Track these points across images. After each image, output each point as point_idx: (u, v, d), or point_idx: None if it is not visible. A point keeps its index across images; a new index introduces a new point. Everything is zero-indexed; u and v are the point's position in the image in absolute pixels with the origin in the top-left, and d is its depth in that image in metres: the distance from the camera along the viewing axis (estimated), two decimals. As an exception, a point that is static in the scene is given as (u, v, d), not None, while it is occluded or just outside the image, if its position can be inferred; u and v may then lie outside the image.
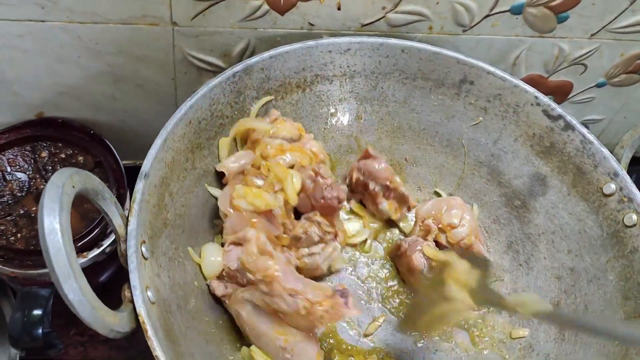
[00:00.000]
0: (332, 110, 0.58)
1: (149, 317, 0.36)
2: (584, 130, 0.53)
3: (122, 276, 0.39)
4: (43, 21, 0.51)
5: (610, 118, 0.73)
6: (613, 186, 0.51)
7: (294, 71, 0.54)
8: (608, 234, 0.51)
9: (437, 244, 0.54)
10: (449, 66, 0.56)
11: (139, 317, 0.36)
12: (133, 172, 0.51)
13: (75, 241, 0.51)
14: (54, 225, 0.31)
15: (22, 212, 0.53)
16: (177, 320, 0.41)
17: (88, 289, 0.32)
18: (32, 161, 0.56)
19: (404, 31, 0.58)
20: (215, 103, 0.50)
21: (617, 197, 0.51)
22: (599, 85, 0.68)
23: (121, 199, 0.54)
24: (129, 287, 0.37)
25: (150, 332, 0.36)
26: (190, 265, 0.47)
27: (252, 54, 0.57)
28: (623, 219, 0.51)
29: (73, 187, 0.34)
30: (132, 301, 0.37)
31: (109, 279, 0.58)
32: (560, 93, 0.68)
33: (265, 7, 0.53)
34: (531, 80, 0.65)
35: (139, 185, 0.41)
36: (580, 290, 0.52)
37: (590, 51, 0.63)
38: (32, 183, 0.55)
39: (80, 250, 0.52)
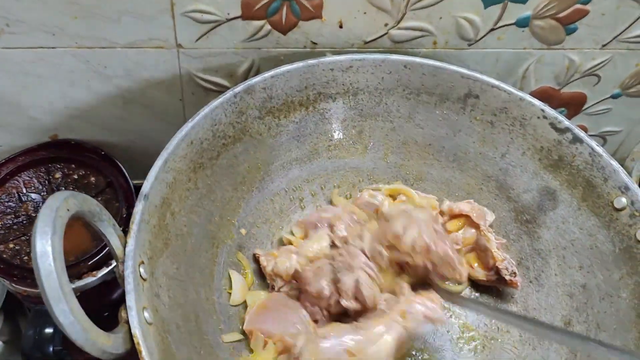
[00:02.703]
0: (336, 128, 0.58)
1: (145, 338, 0.37)
2: (593, 143, 0.52)
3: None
4: (54, 47, 0.53)
5: (629, 129, 0.71)
6: (624, 200, 0.50)
7: (297, 90, 0.55)
8: (620, 250, 0.50)
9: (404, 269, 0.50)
10: (453, 80, 0.56)
11: (134, 338, 0.37)
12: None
13: (85, 260, 0.53)
14: (46, 248, 0.32)
15: (35, 232, 0.55)
16: (174, 340, 0.42)
17: (80, 312, 0.33)
18: (47, 182, 0.58)
19: (407, 47, 0.58)
20: (217, 123, 0.50)
21: (628, 211, 0.50)
22: (615, 97, 0.66)
23: (131, 218, 0.55)
24: (125, 308, 0.38)
25: (144, 353, 0.36)
26: (192, 284, 0.47)
27: (256, 74, 0.57)
28: (635, 235, 0.49)
29: (68, 210, 0.35)
30: (127, 322, 0.37)
31: (120, 298, 0.58)
32: (574, 105, 0.67)
33: (268, 27, 0.54)
34: (543, 93, 0.64)
35: (139, 207, 0.42)
36: (593, 308, 0.50)
37: (602, 62, 0.61)
38: (45, 203, 0.57)
39: (90, 270, 0.53)
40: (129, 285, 0.38)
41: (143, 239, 0.42)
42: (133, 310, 0.38)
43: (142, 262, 0.41)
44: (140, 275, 0.40)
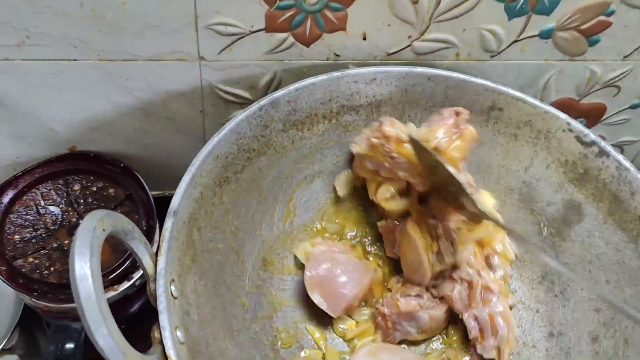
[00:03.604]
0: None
1: (179, 359, 0.36)
2: (620, 157, 0.52)
3: (150, 308, 0.40)
4: (75, 60, 0.52)
5: (647, 139, 0.71)
6: (652, 215, 0.50)
7: (320, 102, 0.54)
8: (648, 265, 0.50)
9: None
10: (477, 93, 0.56)
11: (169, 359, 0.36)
12: (161, 203, 0.52)
13: (106, 274, 0.52)
14: (85, 271, 0.31)
15: (55, 245, 0.54)
16: (205, 359, 0.41)
17: (118, 335, 0.32)
18: (65, 194, 0.58)
19: (430, 59, 0.57)
20: (242, 137, 0.50)
21: (656, 226, 0.50)
22: (634, 107, 0.66)
23: (151, 231, 0.55)
24: (159, 328, 0.37)
25: (179, 374, 0.36)
26: (219, 301, 0.47)
27: (278, 86, 0.57)
28: (663, 250, 0.49)
29: (104, 230, 0.34)
30: (161, 342, 0.37)
31: (139, 310, 0.58)
32: (594, 116, 0.67)
33: (291, 39, 0.53)
34: (563, 104, 0.64)
35: (168, 224, 0.42)
36: (620, 323, 0.50)
37: (623, 73, 0.61)
38: (65, 216, 0.56)
39: (111, 284, 0.52)
40: (162, 305, 0.38)
41: (173, 256, 0.41)
42: (167, 330, 0.37)
43: (173, 280, 0.40)
44: (172, 294, 0.40)
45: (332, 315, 0.53)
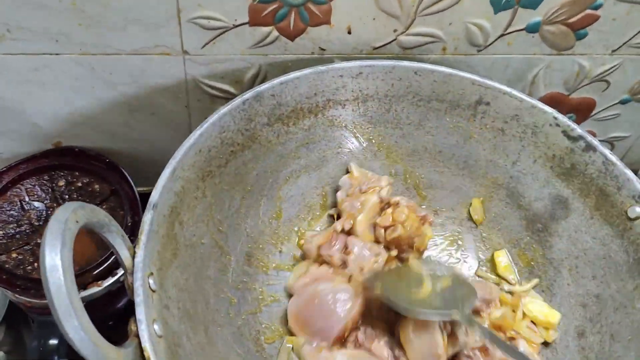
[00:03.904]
0: (346, 134, 0.58)
1: (155, 352, 0.36)
2: (606, 152, 0.51)
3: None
4: (57, 54, 0.52)
5: (637, 135, 0.70)
6: (638, 209, 0.49)
7: (306, 96, 0.54)
8: (634, 260, 0.49)
9: None
10: (464, 87, 0.55)
11: (144, 352, 0.36)
12: (147, 198, 0.51)
13: (90, 270, 0.52)
14: (55, 262, 0.31)
15: (39, 241, 0.54)
16: (185, 352, 0.41)
17: (90, 326, 0.32)
18: (50, 190, 0.57)
19: (416, 53, 0.57)
20: (225, 131, 0.50)
21: (643, 220, 0.49)
22: (623, 102, 0.66)
23: (136, 227, 0.55)
24: (135, 321, 0.37)
25: (155, 367, 0.35)
26: (201, 295, 0.47)
27: (263, 80, 0.57)
28: (650, 244, 0.48)
29: (77, 221, 0.34)
30: (137, 335, 0.36)
31: (125, 307, 0.58)
32: (583, 110, 0.66)
33: (275, 33, 0.53)
34: (552, 99, 0.64)
35: (147, 216, 0.41)
36: (607, 318, 0.50)
37: (612, 67, 0.61)
38: (49, 212, 0.56)
39: (95, 279, 0.52)
40: (139, 298, 0.38)
41: (152, 249, 0.41)
42: (143, 323, 0.37)
43: (151, 274, 0.40)
44: (150, 287, 0.39)
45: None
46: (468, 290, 0.50)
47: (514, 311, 0.52)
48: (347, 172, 0.58)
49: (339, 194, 0.57)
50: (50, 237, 0.31)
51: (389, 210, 0.53)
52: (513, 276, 0.56)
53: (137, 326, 0.37)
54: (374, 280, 0.51)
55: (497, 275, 0.57)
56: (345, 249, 0.52)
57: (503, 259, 0.57)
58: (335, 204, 0.58)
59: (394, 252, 0.54)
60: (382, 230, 0.53)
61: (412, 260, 0.54)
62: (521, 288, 0.55)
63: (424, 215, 0.54)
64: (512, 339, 0.52)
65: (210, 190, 0.49)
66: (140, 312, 0.37)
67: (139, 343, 0.36)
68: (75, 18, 0.49)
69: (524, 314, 0.52)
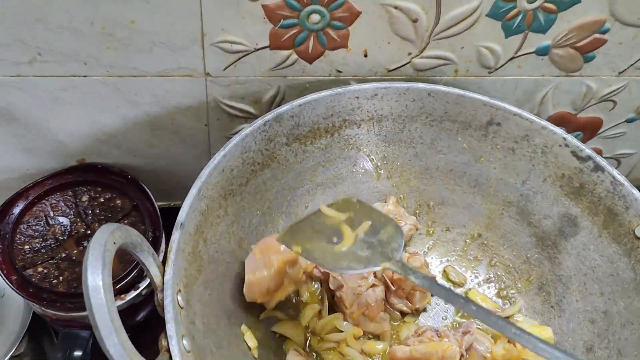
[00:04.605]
0: (360, 153, 0.60)
1: (185, 367, 0.38)
2: (614, 172, 0.53)
3: (156, 316, 0.41)
4: (85, 76, 0.54)
5: (643, 152, 0.72)
6: (645, 229, 0.51)
7: (323, 117, 0.56)
8: (642, 278, 0.51)
9: None
10: (476, 108, 0.57)
11: (175, 367, 0.37)
12: (167, 213, 0.53)
13: (114, 284, 0.53)
14: (97, 283, 0.33)
15: (64, 255, 0.56)
16: (210, 367, 0.43)
17: (128, 344, 0.33)
18: (74, 205, 0.59)
19: (429, 75, 0.59)
20: (247, 151, 0.52)
21: (649, 239, 0.51)
22: (629, 121, 0.67)
23: (157, 241, 0.56)
24: (166, 337, 0.38)
25: (185, 382, 0.37)
26: (223, 310, 0.48)
27: (282, 100, 0.59)
28: (657, 263, 0.50)
29: (114, 243, 0.36)
30: (168, 350, 0.38)
31: (145, 318, 0.59)
32: (590, 129, 0.68)
33: (294, 56, 0.55)
34: (560, 118, 0.65)
35: (176, 235, 0.43)
36: (614, 334, 0.51)
37: (618, 88, 0.63)
38: (73, 227, 0.58)
39: (118, 293, 0.54)
40: (169, 314, 0.39)
41: (179, 267, 0.43)
42: (174, 339, 0.38)
43: (180, 290, 0.42)
44: (178, 304, 0.41)
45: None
46: (392, 228, 0.46)
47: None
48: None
49: None
50: (92, 258, 0.33)
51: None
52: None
53: (167, 342, 0.38)
54: (290, 239, 0.47)
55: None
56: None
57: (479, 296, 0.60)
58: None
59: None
60: None
61: (323, 206, 0.50)
62: (505, 312, 0.58)
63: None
64: None
65: (232, 208, 0.51)
66: (170, 328, 0.39)
67: (170, 358, 0.38)
68: (105, 42, 0.51)
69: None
